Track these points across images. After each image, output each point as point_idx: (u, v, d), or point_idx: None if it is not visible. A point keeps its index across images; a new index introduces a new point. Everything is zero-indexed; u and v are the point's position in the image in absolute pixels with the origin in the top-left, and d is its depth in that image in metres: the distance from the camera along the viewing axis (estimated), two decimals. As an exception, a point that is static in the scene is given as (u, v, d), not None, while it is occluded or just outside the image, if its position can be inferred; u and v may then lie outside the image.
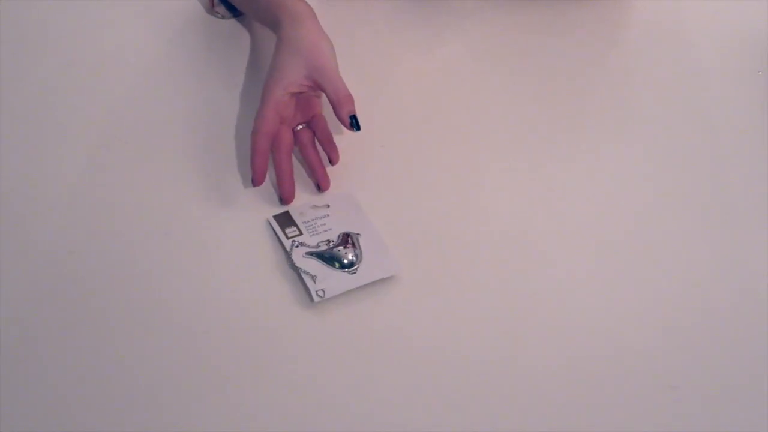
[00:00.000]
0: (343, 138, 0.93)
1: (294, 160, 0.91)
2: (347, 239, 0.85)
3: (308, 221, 0.87)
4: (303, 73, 0.86)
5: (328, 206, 0.88)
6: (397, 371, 0.78)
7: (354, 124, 0.85)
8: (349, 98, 0.85)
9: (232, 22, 1.07)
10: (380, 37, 1.06)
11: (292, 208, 0.88)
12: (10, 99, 0.97)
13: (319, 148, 0.90)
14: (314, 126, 0.91)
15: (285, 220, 0.86)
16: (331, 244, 0.84)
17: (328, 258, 0.83)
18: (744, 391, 0.79)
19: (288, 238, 0.85)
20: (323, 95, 0.88)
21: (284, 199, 0.87)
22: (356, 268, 0.83)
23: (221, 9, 1.04)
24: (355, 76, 0.99)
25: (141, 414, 0.75)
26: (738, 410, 0.78)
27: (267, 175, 0.88)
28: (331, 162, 0.90)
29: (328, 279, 0.81)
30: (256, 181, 0.86)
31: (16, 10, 1.05)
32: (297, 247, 0.84)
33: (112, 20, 1.06)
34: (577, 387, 0.78)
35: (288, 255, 0.84)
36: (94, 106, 0.97)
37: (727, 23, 1.09)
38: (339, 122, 0.86)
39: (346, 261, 0.83)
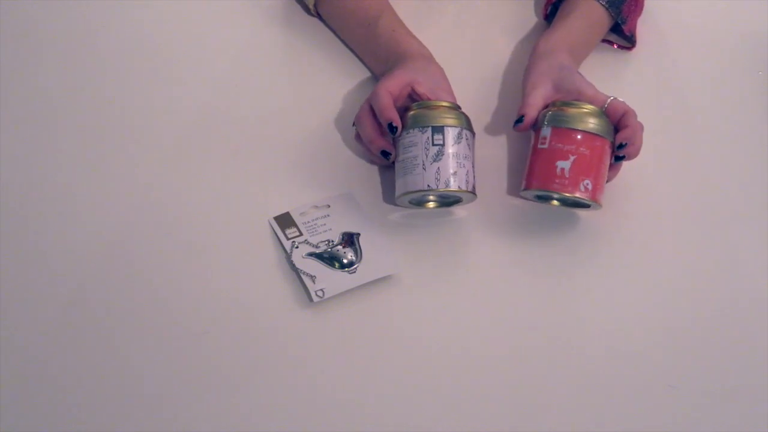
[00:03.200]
0: (343, 139, 0.93)
1: (301, 159, 0.92)
2: (347, 239, 0.85)
3: (309, 221, 0.87)
4: (430, 85, 0.88)
5: (329, 206, 0.88)
6: (396, 370, 0.78)
7: None
8: None
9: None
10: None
11: (293, 209, 0.88)
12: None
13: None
14: None
15: (285, 220, 0.87)
16: (331, 243, 0.85)
17: (328, 258, 0.83)
18: (743, 390, 0.79)
19: (288, 238, 0.85)
20: None
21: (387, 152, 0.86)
22: (356, 268, 0.83)
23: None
24: (356, 76, 1.00)
25: (141, 413, 0.75)
26: (737, 410, 0.78)
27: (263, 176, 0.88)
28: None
29: (328, 279, 0.82)
30: (398, 126, 0.84)
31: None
32: (296, 247, 0.84)
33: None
34: (576, 386, 0.78)
35: (288, 256, 0.84)
36: (88, 105, 0.97)
37: (727, 23, 1.09)
38: None
39: (345, 261, 0.83)
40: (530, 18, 1.07)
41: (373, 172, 0.91)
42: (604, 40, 1.03)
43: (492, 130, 0.96)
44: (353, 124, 0.89)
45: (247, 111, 0.97)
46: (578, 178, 0.82)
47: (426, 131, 0.83)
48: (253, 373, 0.78)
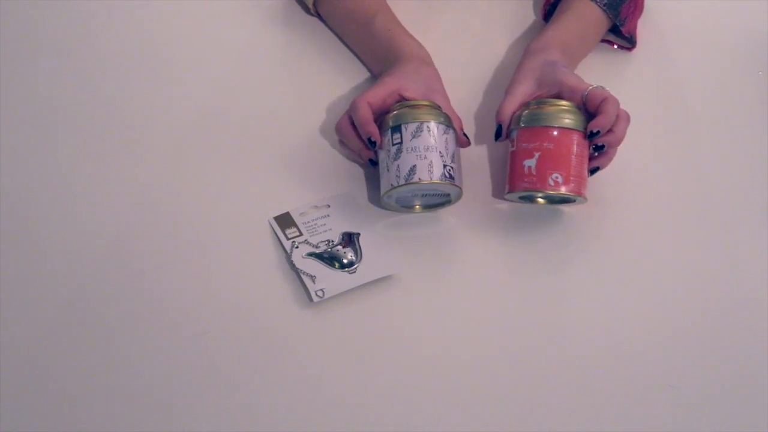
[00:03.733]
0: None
1: (301, 158, 0.92)
2: (347, 239, 0.85)
3: (309, 221, 0.87)
4: (421, 90, 0.88)
5: (329, 206, 0.88)
6: (396, 370, 0.79)
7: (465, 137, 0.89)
8: (459, 120, 0.89)
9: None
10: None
11: (293, 209, 0.88)
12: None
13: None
14: None
15: (285, 220, 0.87)
16: (331, 243, 0.85)
17: (328, 258, 0.83)
18: (743, 390, 0.79)
19: (288, 238, 0.85)
20: None
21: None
22: (356, 268, 0.83)
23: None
24: (356, 76, 1.00)
25: (141, 413, 0.75)
26: (737, 410, 0.78)
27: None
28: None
29: (328, 279, 0.82)
30: (377, 140, 0.84)
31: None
32: (296, 247, 0.84)
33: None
34: (576, 386, 0.78)
35: (288, 256, 0.84)
36: (88, 105, 0.97)
37: (727, 23, 1.09)
38: None
39: (345, 261, 0.83)
40: (530, 18, 1.07)
41: (372, 172, 0.91)
42: (603, 41, 1.03)
43: (491, 129, 0.95)
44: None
45: (247, 111, 0.97)
46: (546, 173, 0.83)
47: (387, 134, 0.84)
48: (253, 373, 0.78)
